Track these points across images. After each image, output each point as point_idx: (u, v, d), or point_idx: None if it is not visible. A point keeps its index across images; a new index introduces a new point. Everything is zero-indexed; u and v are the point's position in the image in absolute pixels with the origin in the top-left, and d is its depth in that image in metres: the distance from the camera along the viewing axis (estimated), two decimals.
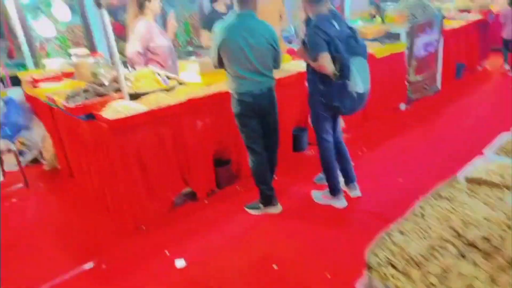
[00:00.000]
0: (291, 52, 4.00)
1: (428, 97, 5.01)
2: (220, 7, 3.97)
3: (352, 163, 2.90)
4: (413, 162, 3.41)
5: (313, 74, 2.52)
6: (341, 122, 2.89)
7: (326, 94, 2.49)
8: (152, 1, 3.24)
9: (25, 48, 4.54)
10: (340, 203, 2.80)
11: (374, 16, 5.02)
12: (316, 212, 2.79)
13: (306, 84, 2.77)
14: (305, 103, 3.59)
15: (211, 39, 3.88)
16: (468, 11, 5.98)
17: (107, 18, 2.59)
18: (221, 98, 2.94)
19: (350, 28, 2.48)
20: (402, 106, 4.72)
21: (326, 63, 2.33)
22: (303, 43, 2.47)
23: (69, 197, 3.47)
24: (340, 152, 2.79)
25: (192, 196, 3.07)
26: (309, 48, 2.40)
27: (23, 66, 5.03)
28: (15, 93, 4.44)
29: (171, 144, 2.83)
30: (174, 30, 3.55)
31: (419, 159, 3.45)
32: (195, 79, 3.31)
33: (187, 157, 2.93)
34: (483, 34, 5.85)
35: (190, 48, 5.26)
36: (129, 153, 2.63)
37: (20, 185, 3.65)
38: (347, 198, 2.85)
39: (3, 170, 3.93)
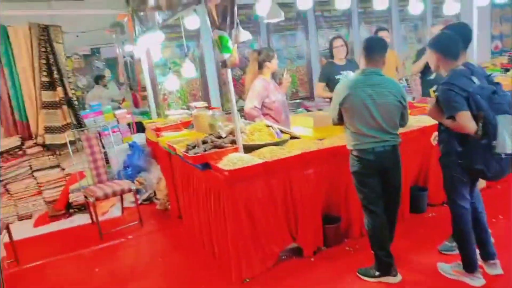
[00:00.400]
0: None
1: None
2: (337, 60, 3.98)
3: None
4: None
5: (447, 133, 2.27)
6: (483, 183, 2.50)
7: (465, 155, 2.21)
8: (272, 61, 3.41)
9: (151, 99, 5.15)
10: (477, 281, 2.36)
11: (508, 69, 4.54)
12: None
13: (432, 141, 2.54)
14: (425, 161, 3.32)
15: (325, 90, 3.94)
16: None
17: (230, 75, 2.80)
18: (333, 152, 2.85)
19: (493, 83, 2.21)
20: None
21: (466, 122, 2.08)
22: (436, 101, 2.27)
23: (177, 238, 3.62)
24: (477, 220, 2.40)
25: (297, 252, 2.93)
26: (444, 107, 2.18)
27: (146, 114, 5.68)
28: (139, 138, 5.00)
29: (281, 197, 2.78)
30: (287, 85, 3.67)
31: None
32: (307, 132, 3.29)
33: (296, 212, 2.84)
34: None
35: (297, 100, 5.40)
36: (240, 203, 2.64)
37: (136, 222, 3.91)
38: (483, 274, 2.40)
39: (122, 207, 4.31)
